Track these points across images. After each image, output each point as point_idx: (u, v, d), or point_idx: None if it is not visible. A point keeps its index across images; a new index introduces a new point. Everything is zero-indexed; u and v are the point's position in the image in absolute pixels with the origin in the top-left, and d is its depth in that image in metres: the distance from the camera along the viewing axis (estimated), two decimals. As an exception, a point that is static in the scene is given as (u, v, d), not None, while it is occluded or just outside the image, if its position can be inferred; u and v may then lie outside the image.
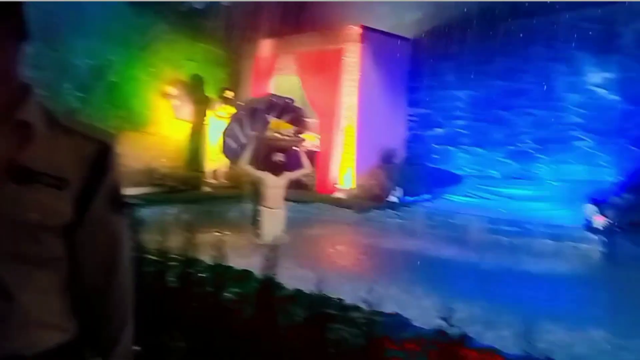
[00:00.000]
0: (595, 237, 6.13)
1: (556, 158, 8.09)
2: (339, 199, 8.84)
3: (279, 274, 2.83)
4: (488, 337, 3.25)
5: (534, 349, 2.89)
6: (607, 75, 7.59)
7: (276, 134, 6.32)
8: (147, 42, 9.29)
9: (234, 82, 10.45)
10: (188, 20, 9.30)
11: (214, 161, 9.79)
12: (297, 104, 6.89)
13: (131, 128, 9.26)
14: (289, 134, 6.40)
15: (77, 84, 8.51)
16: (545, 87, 8.16)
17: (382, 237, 7.33)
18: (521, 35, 8.25)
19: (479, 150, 9.03)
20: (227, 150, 6.58)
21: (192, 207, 8.41)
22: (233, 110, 10.02)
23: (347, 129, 9.16)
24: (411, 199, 8.64)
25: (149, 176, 9.10)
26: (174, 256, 3.08)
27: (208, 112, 9.88)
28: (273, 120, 6.39)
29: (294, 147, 6.42)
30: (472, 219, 7.33)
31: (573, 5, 7.53)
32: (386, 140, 9.33)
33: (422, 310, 3.58)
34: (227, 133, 6.53)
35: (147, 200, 7.78)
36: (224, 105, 9.83)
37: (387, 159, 9.32)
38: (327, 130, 9.35)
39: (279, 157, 6.17)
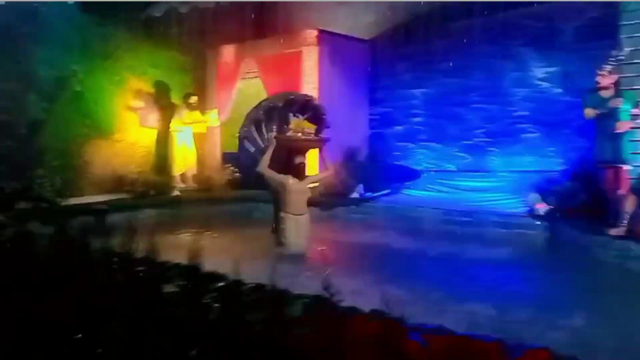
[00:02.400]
0: (539, 223, 6.50)
1: (507, 150, 8.49)
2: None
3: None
4: (433, 319, 3.58)
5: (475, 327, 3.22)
6: (551, 69, 8.01)
7: (298, 134, 5.83)
8: (110, 51, 9.45)
9: (199, 88, 10.67)
10: (149, 28, 9.47)
11: (182, 166, 10.01)
12: (316, 101, 6.39)
13: (98, 136, 9.43)
14: (310, 134, 5.94)
15: (42, 95, 8.63)
16: (494, 83, 8.56)
17: (345, 232, 7.65)
18: (470, 34, 8.62)
19: (436, 145, 9.40)
20: (244, 154, 6.14)
21: (162, 212, 8.65)
22: (199, 115, 10.29)
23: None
24: (373, 194, 8.96)
25: (118, 183, 9.28)
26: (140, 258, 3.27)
27: (174, 118, 10.07)
28: (294, 119, 5.90)
29: (316, 148, 6.04)
30: (429, 212, 7.70)
31: (517, 4, 7.92)
32: (349, 139, 9.64)
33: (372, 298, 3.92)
34: (244, 135, 6.07)
35: (116, 207, 8.02)
36: (189, 111, 10.07)
37: (350, 157, 9.63)
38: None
39: (301, 158, 5.79)
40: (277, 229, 5.74)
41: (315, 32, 9.24)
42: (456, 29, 8.73)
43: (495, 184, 8.35)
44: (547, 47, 7.95)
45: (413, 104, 9.70)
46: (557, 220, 6.33)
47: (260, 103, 6.19)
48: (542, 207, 6.53)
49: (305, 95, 6.38)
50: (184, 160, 10.04)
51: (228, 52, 10.47)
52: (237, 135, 6.16)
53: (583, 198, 6.27)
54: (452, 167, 9.21)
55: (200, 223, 8.21)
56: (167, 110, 10.26)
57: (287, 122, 5.84)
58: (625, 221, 5.22)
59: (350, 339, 2.49)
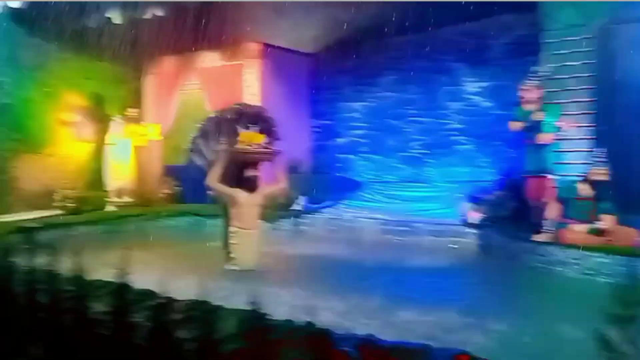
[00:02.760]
0: (471, 231, 6.77)
1: (443, 161, 8.81)
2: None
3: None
4: (363, 328, 3.64)
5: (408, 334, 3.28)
6: (482, 84, 8.41)
7: (247, 147, 5.64)
8: (40, 61, 9.07)
9: (136, 100, 10.41)
10: (83, 38, 9.17)
11: (118, 180, 9.71)
12: (268, 112, 6.26)
13: (28, 150, 9.00)
14: (261, 146, 5.75)
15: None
16: (429, 96, 8.89)
17: (286, 244, 7.65)
18: (407, 49, 8.95)
19: (376, 157, 9.62)
20: (193, 167, 6.07)
21: (96, 228, 8.34)
22: (139, 128, 10.03)
23: (251, 142, 9.41)
24: (315, 206, 9.02)
25: (49, 199, 8.87)
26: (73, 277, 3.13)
27: (110, 131, 9.77)
28: (243, 131, 5.74)
29: (267, 160, 5.90)
30: (368, 222, 7.86)
31: (450, 21, 8.27)
32: (291, 151, 9.67)
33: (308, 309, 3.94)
34: (193, 147, 5.97)
35: (48, 224, 7.65)
36: (128, 124, 9.81)
37: (292, 169, 9.66)
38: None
39: (252, 171, 5.66)
40: (227, 244, 5.59)
41: (257, 45, 9.27)
42: (394, 45, 9.03)
43: (432, 194, 8.63)
44: (478, 62, 8.35)
45: (354, 116, 9.90)
46: (489, 228, 6.60)
47: (210, 115, 6.08)
48: (474, 216, 6.80)
49: (256, 106, 6.31)
50: (120, 174, 9.74)
51: (167, 63, 10.29)
52: (188, 147, 6.07)
53: (512, 206, 6.59)
54: (392, 178, 9.43)
55: (137, 239, 8.00)
56: (102, 123, 9.93)
57: (237, 134, 5.68)
58: (550, 228, 5.53)
59: (281, 352, 2.51)
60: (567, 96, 6.13)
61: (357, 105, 9.86)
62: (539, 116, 5.84)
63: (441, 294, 4.84)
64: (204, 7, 9.32)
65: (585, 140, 6.04)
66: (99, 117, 10.02)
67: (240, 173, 5.57)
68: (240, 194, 5.45)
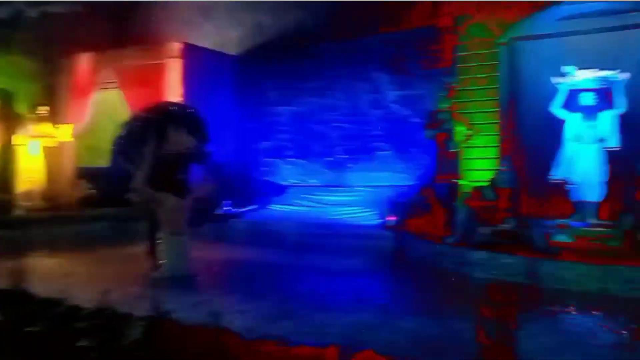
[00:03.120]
0: (389, 233, 7.02)
1: (364, 166, 9.07)
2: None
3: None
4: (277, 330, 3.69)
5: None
6: (401, 92, 8.76)
7: (176, 148, 5.35)
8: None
9: (50, 98, 9.84)
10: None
11: (28, 182, 9.13)
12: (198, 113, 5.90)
13: None
14: (190, 147, 5.46)
15: None
16: (352, 103, 9.14)
17: (209, 249, 7.54)
18: (331, 57, 9.15)
19: (301, 161, 9.73)
20: (116, 169, 5.70)
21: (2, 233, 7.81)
22: (49, 128, 9.48)
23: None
24: (240, 210, 8.97)
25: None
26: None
27: (19, 131, 9.18)
28: (172, 132, 5.42)
29: (198, 162, 5.69)
30: (292, 226, 7.93)
31: (371, 31, 8.55)
32: (215, 154, 9.54)
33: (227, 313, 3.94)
34: (116, 149, 5.62)
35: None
36: (38, 123, 9.25)
37: (216, 172, 9.54)
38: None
39: (182, 173, 5.40)
40: (152, 251, 5.33)
41: (179, 45, 9.09)
42: (319, 52, 9.19)
43: (354, 198, 8.85)
44: (397, 72, 8.69)
45: (279, 120, 9.94)
46: (404, 230, 6.87)
47: (137, 114, 5.72)
48: (392, 219, 7.06)
49: (186, 106, 6.01)
50: (30, 177, 9.16)
51: (84, 60, 9.82)
52: (111, 148, 5.69)
53: (426, 210, 6.90)
54: (316, 182, 9.56)
55: (47, 244, 7.57)
56: (11, 121, 9.31)
57: (167, 135, 5.36)
58: (460, 230, 5.85)
59: (187, 356, 2.50)
60: (475, 106, 6.53)
61: (282, 109, 9.92)
62: (450, 125, 6.18)
63: (356, 294, 4.95)
64: (126, 4, 9.05)
65: (493, 148, 6.46)
66: (7, 115, 9.39)
67: (169, 175, 5.29)
68: (169, 198, 5.18)
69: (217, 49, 9.77)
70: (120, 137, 5.58)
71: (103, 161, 10.37)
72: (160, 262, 5.21)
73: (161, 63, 9.16)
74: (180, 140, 5.34)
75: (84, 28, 9.15)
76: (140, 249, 7.41)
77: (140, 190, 5.21)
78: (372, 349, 2.53)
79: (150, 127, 5.44)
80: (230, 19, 9.43)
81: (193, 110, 5.88)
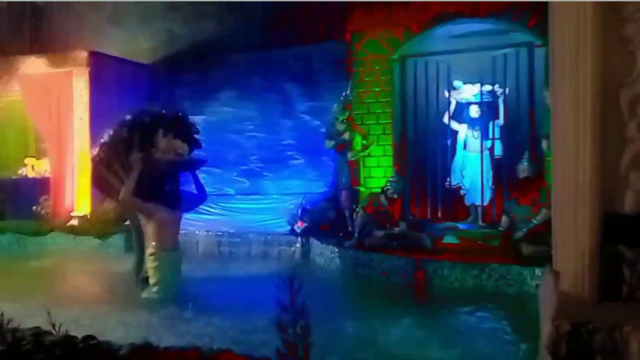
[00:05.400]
0: (297, 239, 7.28)
1: (278, 175, 9.29)
2: (75, 226, 8.61)
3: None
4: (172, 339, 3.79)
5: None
6: (310, 103, 9.09)
7: (168, 156, 4.98)
8: None
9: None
10: None
11: None
12: (187, 116, 5.53)
13: None
14: (183, 155, 5.12)
15: None
16: (265, 113, 9.36)
17: (116, 261, 7.45)
18: (244, 67, 9.33)
19: (216, 170, 9.78)
20: (100, 182, 5.25)
21: None
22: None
23: (82, 154, 9.00)
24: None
25: None
26: None
27: None
28: (163, 139, 5.03)
29: (189, 170, 5.34)
30: (204, 235, 8.00)
31: (281, 44, 8.83)
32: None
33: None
34: (98, 158, 5.15)
35: None
36: None
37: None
38: (59, 155, 9.08)
39: (173, 183, 5.06)
40: (140, 269, 4.98)
41: (85, 53, 8.92)
42: (232, 62, 9.34)
43: (268, 206, 9.02)
44: (307, 84, 9.02)
45: (194, 130, 9.94)
46: (311, 236, 7.16)
47: (122, 119, 5.17)
48: (300, 226, 7.32)
49: (175, 110, 5.53)
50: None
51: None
52: (92, 156, 5.28)
53: (331, 216, 7.23)
54: (231, 191, 9.67)
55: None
56: None
57: (155, 142, 4.96)
58: (357, 234, 6.21)
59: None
60: (372, 118, 6.96)
61: (197, 118, 9.88)
62: (347, 136, 6.55)
63: (255, 300, 5.07)
64: (29, 10, 8.80)
65: (386, 157, 6.90)
66: None
67: (159, 185, 4.91)
68: (160, 209, 4.84)
69: (127, 57, 9.67)
70: (102, 144, 5.14)
71: (8, 172, 10.00)
72: (152, 280, 4.84)
73: (67, 71, 8.95)
74: (169, 147, 5.00)
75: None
76: (48, 262, 7.33)
77: (128, 202, 4.81)
78: (230, 349, 2.73)
79: (136, 132, 4.99)
80: (141, 28, 9.39)
81: (182, 113, 5.45)
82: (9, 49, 9.02)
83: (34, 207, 9.11)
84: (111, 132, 5.14)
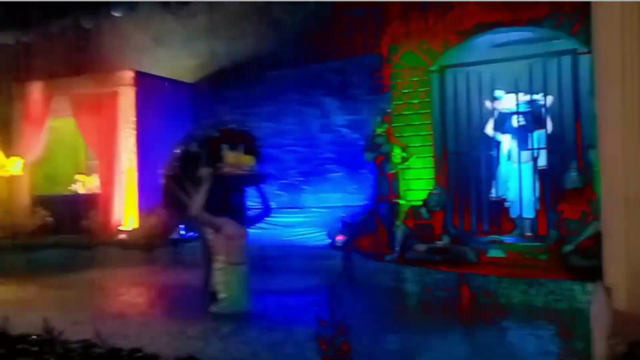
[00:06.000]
0: (337, 253, 7.25)
1: (317, 188, 9.32)
2: (122, 240, 8.88)
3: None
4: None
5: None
6: (348, 117, 9.10)
7: (235, 170, 4.98)
8: None
9: (3, 126, 9.87)
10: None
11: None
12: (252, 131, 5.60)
13: None
14: (250, 169, 5.10)
15: None
16: (303, 127, 9.43)
17: (161, 274, 7.64)
18: (282, 83, 9.45)
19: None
20: (169, 196, 5.26)
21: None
22: (1, 157, 9.45)
23: (128, 170, 9.31)
24: (195, 234, 9.04)
25: None
26: None
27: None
28: (231, 153, 5.05)
29: (255, 184, 5.32)
30: (247, 248, 8.07)
31: (319, 59, 8.90)
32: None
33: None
34: (169, 174, 5.22)
35: None
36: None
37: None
38: (108, 172, 9.42)
39: (240, 197, 5.17)
40: (209, 284, 4.91)
41: (131, 73, 9.26)
42: (270, 78, 9.48)
43: (307, 219, 9.05)
44: (344, 97, 9.05)
45: (234, 146, 10.12)
46: (351, 249, 7.11)
47: (191, 135, 5.34)
48: (340, 239, 7.29)
49: (241, 124, 5.58)
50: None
51: (37, 88, 9.88)
52: (163, 172, 5.33)
53: (371, 229, 7.16)
54: (272, 205, 9.73)
55: (5, 272, 7.57)
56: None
57: (221, 156, 4.98)
58: (398, 248, 6.13)
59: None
60: (411, 130, 6.89)
61: (237, 134, 10.11)
62: (387, 148, 6.50)
63: (296, 315, 5.00)
64: (78, 33, 9.21)
65: (427, 169, 6.80)
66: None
67: (225, 200, 4.94)
68: (228, 224, 4.83)
69: (171, 76, 9.97)
70: (173, 161, 5.22)
71: (60, 189, 10.44)
72: (221, 296, 4.81)
73: (113, 91, 9.31)
74: (237, 161, 5.02)
75: (37, 57, 9.25)
76: (97, 275, 7.59)
77: (199, 216, 4.84)
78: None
79: (205, 147, 5.06)
80: (185, 48, 9.67)
81: (247, 128, 5.55)
82: (60, 70, 9.45)
83: (83, 222, 9.46)
84: (181, 147, 5.22)
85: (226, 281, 4.79)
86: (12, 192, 9.76)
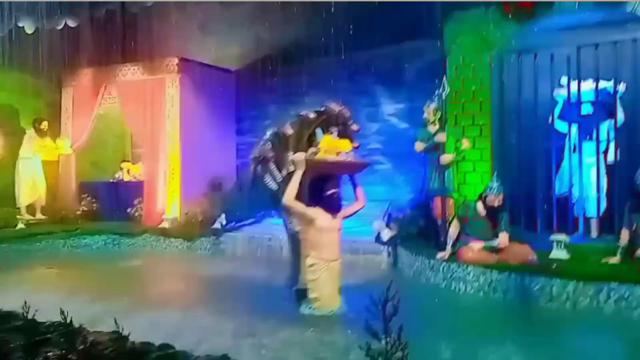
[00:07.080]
0: (383, 249, 6.90)
1: (363, 180, 8.88)
2: (165, 228, 8.83)
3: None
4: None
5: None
6: (398, 105, 8.69)
7: (330, 156, 4.50)
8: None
9: (53, 113, 10.01)
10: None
11: (30, 196, 9.24)
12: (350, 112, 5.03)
13: None
14: (348, 155, 4.60)
15: None
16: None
17: (203, 264, 7.52)
18: (328, 70, 9.11)
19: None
20: (256, 181, 4.86)
21: (6, 246, 7.95)
22: (49, 142, 9.56)
23: (171, 158, 9.24)
24: (236, 224, 8.90)
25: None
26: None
27: (23, 145, 9.31)
28: (324, 135, 4.63)
29: (353, 173, 4.78)
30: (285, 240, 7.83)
31: (368, 45, 8.51)
32: (214, 168, 9.58)
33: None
34: (259, 155, 4.82)
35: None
36: (39, 137, 9.39)
37: (214, 186, 9.54)
38: (152, 160, 9.39)
39: (334, 187, 4.56)
40: (300, 281, 4.56)
41: (176, 60, 9.18)
42: (316, 65, 9.17)
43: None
44: (395, 85, 8.62)
45: (279, 134, 9.90)
46: (398, 245, 6.75)
47: (288, 118, 4.88)
48: (386, 234, 6.93)
49: (338, 104, 4.94)
50: (32, 191, 9.27)
51: (86, 76, 9.98)
52: (252, 157, 4.94)
53: (420, 224, 6.77)
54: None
55: (47, 258, 7.65)
56: (14, 136, 9.45)
57: (314, 140, 4.58)
58: (450, 246, 5.71)
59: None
60: (467, 119, 6.42)
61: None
62: (440, 138, 6.07)
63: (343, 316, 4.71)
64: (126, 20, 9.18)
65: (483, 161, 6.33)
66: (11, 130, 9.55)
67: (318, 189, 4.45)
68: (322, 216, 4.40)
69: (216, 64, 9.83)
70: (262, 144, 4.84)
71: (106, 176, 10.54)
72: (313, 295, 4.42)
73: (159, 78, 9.25)
74: (332, 146, 4.55)
75: (85, 44, 9.28)
76: (139, 263, 7.56)
77: (292, 206, 4.38)
78: None
79: (299, 130, 4.71)
80: (229, 34, 9.49)
81: (343, 108, 4.94)
82: (108, 58, 9.47)
83: (128, 210, 9.49)
84: (275, 131, 4.82)
85: (319, 279, 4.38)
86: (60, 178, 9.89)
